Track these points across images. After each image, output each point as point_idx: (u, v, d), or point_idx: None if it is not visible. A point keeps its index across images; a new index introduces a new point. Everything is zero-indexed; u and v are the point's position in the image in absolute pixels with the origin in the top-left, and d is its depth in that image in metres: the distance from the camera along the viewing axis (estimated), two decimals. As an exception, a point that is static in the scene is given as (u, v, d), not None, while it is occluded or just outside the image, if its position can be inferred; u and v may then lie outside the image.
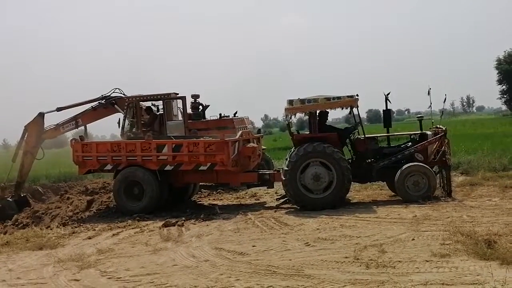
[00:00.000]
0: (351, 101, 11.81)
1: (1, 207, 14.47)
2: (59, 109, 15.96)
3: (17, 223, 12.97)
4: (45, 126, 15.73)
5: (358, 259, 7.03)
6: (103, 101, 15.71)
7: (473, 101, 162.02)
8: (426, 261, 6.70)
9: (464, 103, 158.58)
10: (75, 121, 15.74)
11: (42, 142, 15.78)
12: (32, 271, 7.79)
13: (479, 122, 61.04)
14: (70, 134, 20.43)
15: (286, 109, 12.05)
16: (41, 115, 15.66)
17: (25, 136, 15.52)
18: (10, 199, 14.80)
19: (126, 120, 15.82)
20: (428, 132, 12.46)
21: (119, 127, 16.01)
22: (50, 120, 16.12)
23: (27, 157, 15.44)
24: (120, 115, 15.89)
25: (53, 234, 10.78)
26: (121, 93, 15.93)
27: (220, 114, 16.97)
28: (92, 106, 15.80)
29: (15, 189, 15.41)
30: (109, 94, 15.76)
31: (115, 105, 15.71)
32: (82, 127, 15.97)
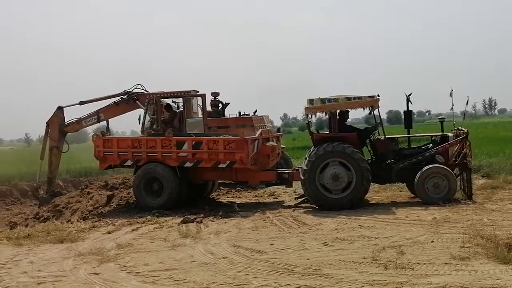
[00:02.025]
0: (372, 101, 11.76)
1: (39, 204, 14.79)
2: (81, 103, 16.21)
3: (38, 217, 13.17)
4: (67, 120, 16.02)
5: (376, 260, 7.01)
6: (125, 97, 15.88)
7: (495, 104, 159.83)
8: (445, 263, 6.65)
9: (486, 106, 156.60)
10: (97, 115, 15.97)
11: (66, 136, 16.05)
12: (52, 264, 7.89)
13: (501, 124, 60.25)
14: (91, 130, 20.75)
15: (306, 108, 12.03)
16: (60, 109, 15.95)
17: (48, 132, 15.80)
18: (45, 195, 15.09)
19: (147, 117, 15.93)
20: (450, 134, 12.34)
21: (139, 124, 16.14)
22: (73, 114, 16.40)
23: (53, 152, 15.78)
24: (141, 112, 16.02)
25: (73, 228, 10.92)
26: (143, 89, 16.08)
27: (239, 112, 17.00)
28: (114, 101, 15.99)
29: (48, 185, 15.81)
30: (131, 89, 15.92)
31: (137, 101, 15.86)
32: (104, 122, 16.21)
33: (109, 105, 16.12)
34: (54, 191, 15.71)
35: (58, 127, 15.92)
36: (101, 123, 16.44)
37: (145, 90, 16.06)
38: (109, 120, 16.29)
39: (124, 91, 15.97)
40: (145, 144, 12.92)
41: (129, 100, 15.88)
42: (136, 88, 16.03)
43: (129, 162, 13.14)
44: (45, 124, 16.07)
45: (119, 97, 15.98)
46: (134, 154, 12.95)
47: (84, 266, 7.63)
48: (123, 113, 16.30)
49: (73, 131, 16.71)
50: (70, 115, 16.38)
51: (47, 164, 15.85)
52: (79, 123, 16.19)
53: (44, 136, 16.37)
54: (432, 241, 7.88)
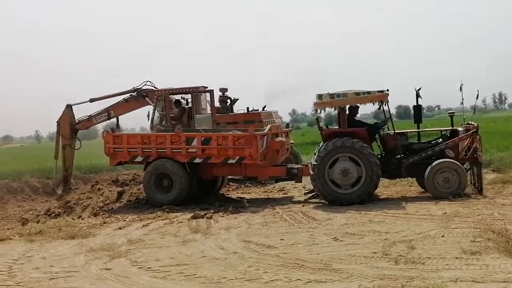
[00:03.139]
0: (381, 96, 11.72)
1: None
2: (91, 100, 16.34)
3: (49, 213, 13.26)
4: (78, 117, 16.16)
5: (386, 254, 7.01)
6: (134, 94, 15.97)
7: (505, 98, 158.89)
8: (456, 258, 6.64)
9: (496, 100, 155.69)
10: (107, 112, 16.11)
11: (77, 133, 16.21)
12: (64, 260, 7.96)
13: (511, 119, 59.80)
14: (101, 126, 20.88)
15: (315, 104, 12.02)
16: (69, 107, 16.13)
17: (60, 131, 15.98)
18: (63, 193, 15.26)
19: (156, 113, 15.99)
20: (460, 129, 12.29)
21: (148, 120, 16.21)
22: (83, 112, 16.53)
23: (66, 150, 15.97)
24: (150, 108, 16.09)
25: (84, 224, 11.00)
26: (152, 86, 16.14)
27: (248, 108, 17.01)
28: (124, 98, 16.11)
29: (64, 183, 16.05)
30: (140, 86, 16.01)
31: (146, 98, 15.95)
32: (114, 119, 16.31)
33: (118, 102, 16.23)
34: (70, 188, 15.87)
35: (69, 125, 16.06)
36: (111, 120, 16.53)
37: (154, 87, 16.13)
38: (119, 117, 16.40)
39: (133, 88, 16.06)
40: (155, 140, 12.96)
41: (138, 97, 15.98)
42: (145, 84, 16.11)
43: (139, 158, 13.20)
44: (56, 123, 16.23)
45: (129, 94, 16.06)
46: (144, 150, 13.00)
47: (95, 261, 7.69)
48: (132, 110, 16.41)
49: (84, 128, 16.86)
50: (80, 113, 16.57)
51: (61, 163, 16.04)
52: (90, 120, 16.31)
53: (56, 135, 16.54)
54: (443, 236, 7.86)
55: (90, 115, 16.28)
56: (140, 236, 9.34)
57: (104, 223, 11.02)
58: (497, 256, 6.59)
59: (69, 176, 16.37)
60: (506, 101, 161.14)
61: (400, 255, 6.88)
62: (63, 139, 16.06)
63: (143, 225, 10.44)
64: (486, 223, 8.19)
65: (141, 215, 11.56)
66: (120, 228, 10.33)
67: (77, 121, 16.27)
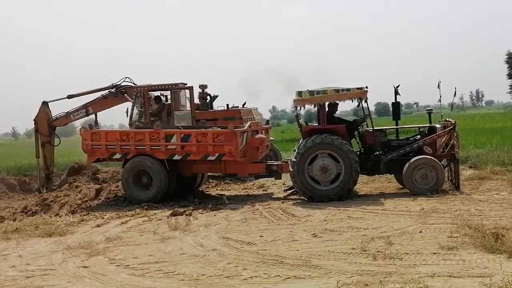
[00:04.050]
0: (360, 93, 11.79)
1: None
2: (69, 97, 16.18)
3: (26, 211, 13.07)
4: (55, 114, 15.99)
5: (365, 250, 7.05)
6: (113, 90, 15.83)
7: (483, 95, 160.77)
8: (434, 253, 6.71)
9: (473, 97, 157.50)
10: (85, 109, 15.97)
11: (55, 130, 16.05)
12: (41, 258, 7.87)
13: (488, 116, 60.68)
14: (79, 123, 20.70)
15: (295, 101, 12.04)
16: (45, 104, 15.97)
17: (38, 129, 15.82)
18: (45, 191, 15.10)
19: (135, 110, 15.87)
20: (437, 125, 12.41)
21: (127, 117, 16.08)
22: (61, 109, 16.37)
23: (46, 148, 15.82)
24: (128, 105, 15.96)
25: (62, 221, 10.88)
26: (131, 82, 16.02)
27: (227, 105, 16.97)
28: (102, 95, 15.97)
29: (46, 181, 15.82)
30: (119, 83, 15.87)
31: (125, 94, 15.82)
32: (93, 116, 16.19)
33: (97, 98, 16.08)
34: (52, 187, 15.71)
35: (46, 122, 15.89)
36: (89, 116, 16.39)
37: (133, 83, 15.99)
38: (97, 113, 16.26)
39: (112, 84, 15.91)
40: (134, 137, 12.86)
41: (117, 93, 15.84)
42: (124, 81, 15.98)
43: (117, 155, 13.08)
44: (33, 122, 16.05)
45: (107, 91, 15.92)
46: (122, 147, 12.89)
47: (73, 259, 7.62)
48: (111, 107, 16.27)
49: (62, 125, 16.66)
50: (58, 110, 16.40)
51: (42, 161, 15.91)
52: (68, 117, 16.14)
53: (34, 134, 16.35)
54: (420, 232, 7.93)
55: (68, 111, 16.10)
56: (119, 234, 9.26)
57: (82, 220, 10.91)
58: (473, 251, 6.67)
59: (51, 173, 16.21)
60: (483, 98, 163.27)
61: (378, 251, 6.93)
62: (41, 136, 15.89)
63: (122, 223, 10.36)
64: (463, 219, 8.28)
65: (120, 212, 11.48)
66: (98, 226, 10.24)
67: (54, 117, 16.09)
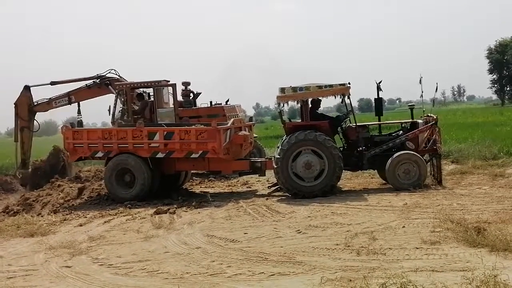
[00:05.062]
0: (343, 89, 11.82)
1: (22, 184, 15.49)
2: (53, 83, 16.13)
3: (7, 210, 12.91)
4: (37, 100, 15.95)
5: (349, 246, 7.08)
6: (97, 81, 15.76)
7: (464, 91, 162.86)
8: (417, 248, 6.76)
9: (455, 92, 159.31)
10: (68, 97, 15.97)
11: (35, 115, 15.97)
12: (23, 258, 7.79)
13: (470, 111, 61.24)
14: (61, 122, 20.52)
15: (278, 97, 12.04)
16: (26, 88, 15.94)
17: (18, 113, 15.75)
18: (22, 175, 15.13)
19: (117, 107, 15.76)
20: (419, 121, 12.50)
21: (109, 115, 15.97)
22: (43, 95, 16.32)
23: (24, 132, 15.81)
24: (110, 103, 15.86)
25: (44, 221, 10.76)
26: (116, 75, 15.93)
27: (211, 102, 16.92)
28: (86, 84, 15.93)
29: (22, 166, 15.81)
30: (104, 74, 15.81)
31: (109, 86, 15.74)
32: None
33: (81, 87, 16.08)
34: (28, 170, 15.67)
35: (27, 107, 15.83)
36: (71, 105, 16.28)
37: (119, 76, 15.93)
38: (80, 103, 16.19)
39: (97, 74, 15.84)
40: (116, 135, 12.75)
41: (101, 84, 15.84)
42: (109, 72, 15.91)
43: (99, 154, 12.94)
44: (14, 105, 15.96)
45: (92, 81, 15.85)
46: (104, 145, 12.77)
47: (55, 259, 7.54)
48: (94, 97, 16.27)
49: (43, 110, 16.57)
50: (41, 96, 16.39)
51: (19, 145, 15.89)
52: (49, 103, 16.10)
53: (14, 118, 16.20)
54: (403, 227, 7.99)
55: (50, 98, 16.03)
56: (102, 233, 9.19)
57: (65, 220, 10.79)
58: (456, 245, 6.73)
59: (27, 159, 16.11)
60: (464, 93, 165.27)
61: (362, 247, 6.96)
62: (21, 121, 15.87)
63: (105, 222, 10.27)
64: (445, 214, 8.36)
65: (103, 211, 11.38)
66: (80, 225, 10.14)
67: (35, 103, 16.01)
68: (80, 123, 16.38)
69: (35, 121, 16.19)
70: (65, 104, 16.20)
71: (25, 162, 15.95)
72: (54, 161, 16.18)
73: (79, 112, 15.81)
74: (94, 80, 15.83)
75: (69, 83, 16.31)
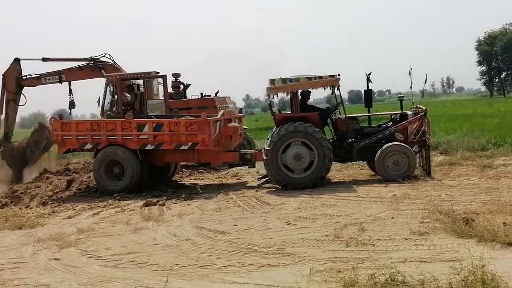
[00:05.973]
0: (333, 81, 11.82)
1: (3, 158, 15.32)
2: (44, 59, 15.94)
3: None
4: (27, 74, 15.82)
5: (338, 237, 7.10)
6: (91, 63, 15.64)
7: (453, 82, 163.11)
8: (405, 239, 6.80)
9: (444, 84, 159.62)
10: (59, 75, 15.85)
11: (23, 89, 15.83)
12: (11, 250, 7.74)
13: (459, 102, 61.65)
14: (49, 114, 20.40)
15: (268, 89, 12.03)
16: (16, 61, 15.82)
17: (5, 85, 15.62)
18: (2, 149, 15.09)
19: (106, 99, 15.65)
20: (409, 112, 12.54)
21: (98, 106, 15.86)
22: (34, 70, 16.24)
23: (10, 105, 15.69)
24: (100, 94, 15.73)
25: (32, 213, 10.68)
26: (110, 59, 15.83)
27: (201, 94, 16.86)
28: (79, 65, 15.77)
29: (4, 140, 15.68)
30: (98, 57, 15.69)
31: (102, 70, 15.62)
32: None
33: (72, 67, 15.93)
34: (11, 145, 15.60)
35: (15, 80, 15.68)
36: (62, 84, 16.15)
37: (113, 60, 15.82)
38: (70, 82, 16.09)
39: (91, 57, 15.71)
40: (105, 127, 12.67)
41: (94, 67, 15.72)
42: (104, 56, 15.80)
43: (88, 146, 12.87)
44: (2, 76, 15.80)
45: (85, 62, 15.73)
46: (93, 137, 12.69)
47: (44, 252, 7.50)
48: (85, 79, 16.15)
49: (32, 85, 16.39)
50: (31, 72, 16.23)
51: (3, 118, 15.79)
52: (39, 79, 15.97)
53: (1, 90, 16.03)
54: (392, 218, 8.02)
55: (41, 74, 15.89)
56: (91, 225, 9.15)
57: (53, 212, 10.73)
58: (444, 236, 6.77)
59: (10, 132, 16.00)
60: (454, 85, 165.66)
61: (351, 238, 6.99)
62: (7, 93, 15.72)
63: (94, 214, 10.23)
64: (434, 204, 8.39)
65: (92, 203, 11.32)
66: (69, 217, 10.09)
67: (24, 77, 15.86)
68: (72, 103, 16.31)
69: (22, 95, 16.00)
70: (55, 82, 16.04)
71: (8, 135, 15.81)
72: (38, 137, 16.01)
73: (70, 91, 15.69)
74: (88, 61, 15.70)
75: (62, 61, 16.14)
